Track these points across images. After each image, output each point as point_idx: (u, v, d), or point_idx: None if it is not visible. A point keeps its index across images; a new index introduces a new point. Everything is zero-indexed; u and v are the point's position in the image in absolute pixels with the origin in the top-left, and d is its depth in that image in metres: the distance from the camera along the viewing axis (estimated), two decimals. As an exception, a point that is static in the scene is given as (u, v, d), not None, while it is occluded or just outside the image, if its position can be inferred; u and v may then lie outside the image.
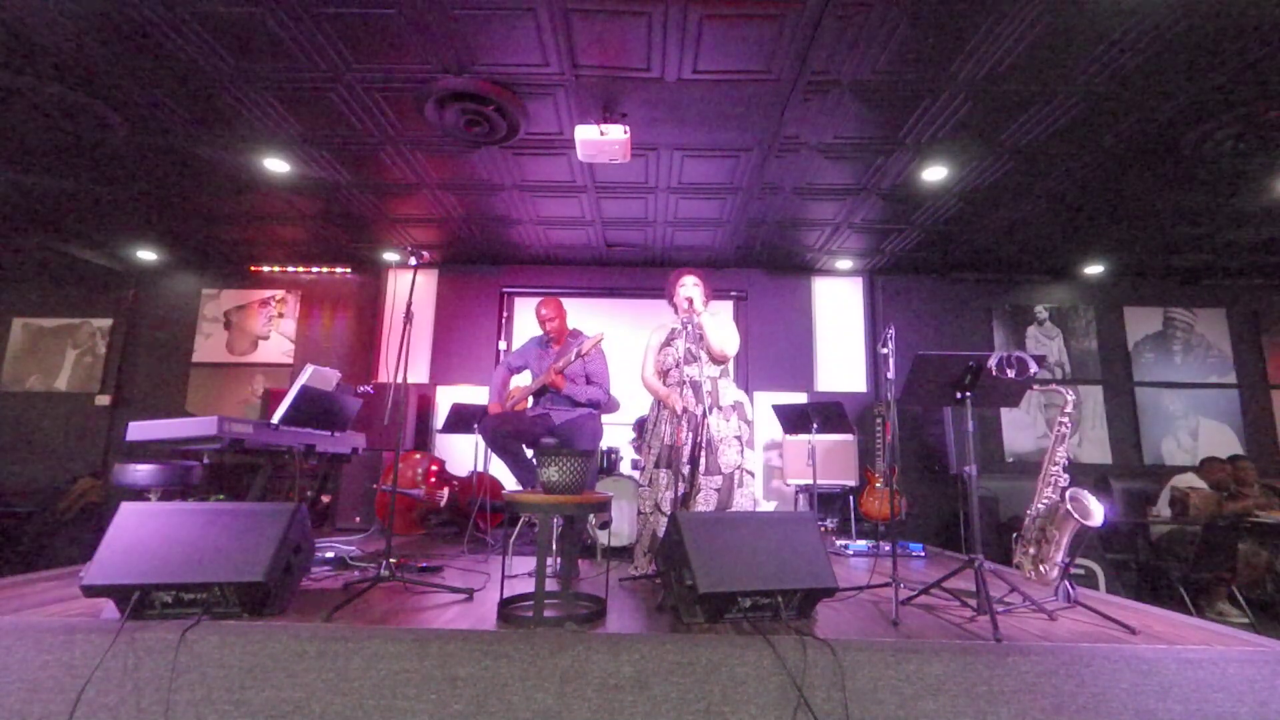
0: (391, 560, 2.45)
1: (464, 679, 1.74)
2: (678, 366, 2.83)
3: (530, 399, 3.48)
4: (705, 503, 2.77)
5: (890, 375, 2.48)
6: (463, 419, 4.00)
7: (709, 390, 2.89)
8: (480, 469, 4.11)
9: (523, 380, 3.60)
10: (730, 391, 2.97)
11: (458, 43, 2.89)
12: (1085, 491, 2.39)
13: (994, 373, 2.34)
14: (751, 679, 1.76)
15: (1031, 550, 2.47)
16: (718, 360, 2.96)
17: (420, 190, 4.44)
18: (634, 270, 5.97)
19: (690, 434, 2.80)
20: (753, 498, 2.90)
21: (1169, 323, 5.86)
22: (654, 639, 1.82)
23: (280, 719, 1.72)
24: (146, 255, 5.78)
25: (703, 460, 2.80)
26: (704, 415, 2.82)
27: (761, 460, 5.65)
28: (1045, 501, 2.46)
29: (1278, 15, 2.58)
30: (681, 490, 2.74)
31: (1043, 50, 2.83)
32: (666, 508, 2.79)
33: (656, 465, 2.91)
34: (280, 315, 6.02)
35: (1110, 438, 5.63)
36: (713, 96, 3.25)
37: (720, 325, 2.96)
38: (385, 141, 3.76)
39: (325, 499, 4.73)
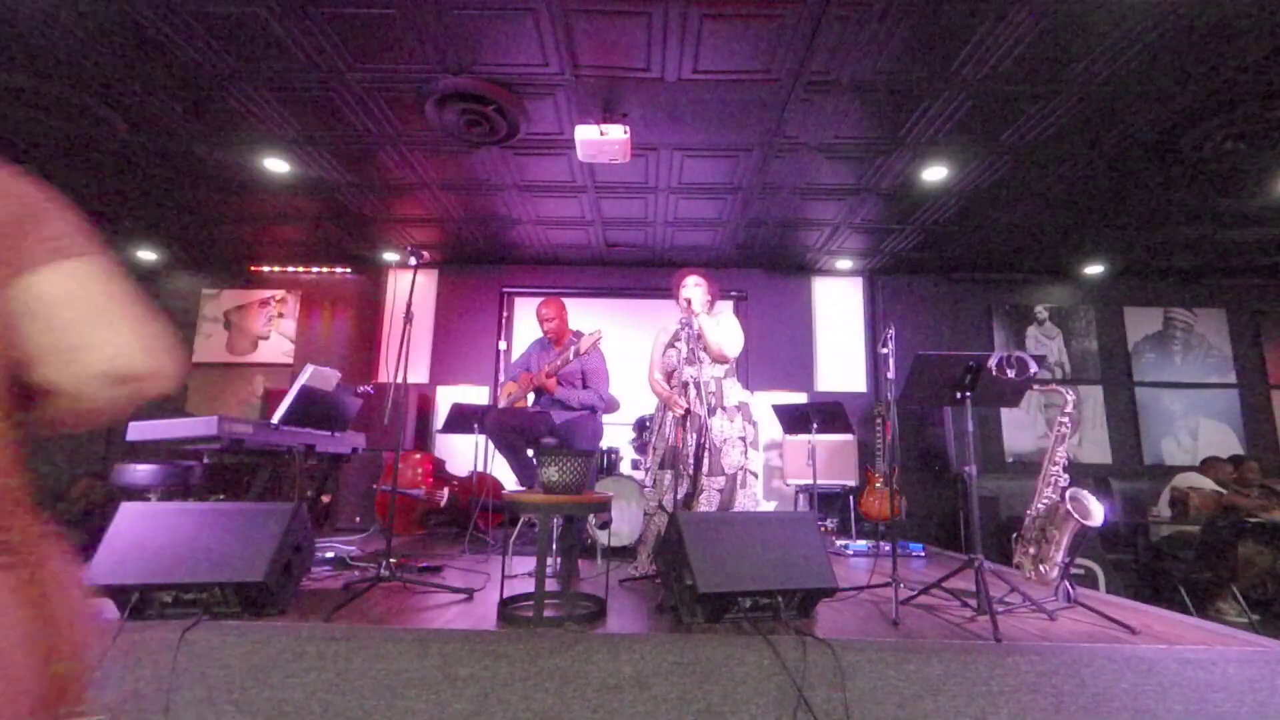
0: (391, 560, 2.45)
1: (464, 679, 1.74)
2: (681, 367, 2.83)
3: (530, 396, 3.48)
4: (708, 503, 2.77)
5: (890, 375, 2.49)
6: (463, 419, 4.00)
7: (712, 391, 2.88)
8: (480, 469, 4.11)
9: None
10: (735, 392, 2.96)
11: (458, 43, 2.89)
12: (1085, 491, 2.39)
13: (994, 373, 2.34)
14: (751, 679, 1.76)
15: (1031, 550, 2.47)
16: (717, 359, 2.95)
17: (420, 190, 4.43)
18: (634, 270, 5.97)
19: (693, 435, 2.80)
20: (754, 498, 2.90)
21: (1169, 323, 5.85)
22: (654, 639, 1.82)
23: (280, 719, 1.72)
24: (146, 255, 5.78)
25: (705, 461, 2.80)
26: (706, 416, 2.82)
27: (762, 460, 5.65)
28: (1045, 501, 2.46)
29: (1278, 15, 2.58)
30: (685, 491, 2.74)
31: (1043, 50, 2.83)
32: (670, 508, 2.79)
33: (661, 466, 2.92)
34: (280, 315, 6.02)
35: (1110, 438, 5.63)
36: (713, 96, 3.25)
37: (719, 326, 2.95)
38: (385, 141, 3.76)
39: (325, 499, 4.72)
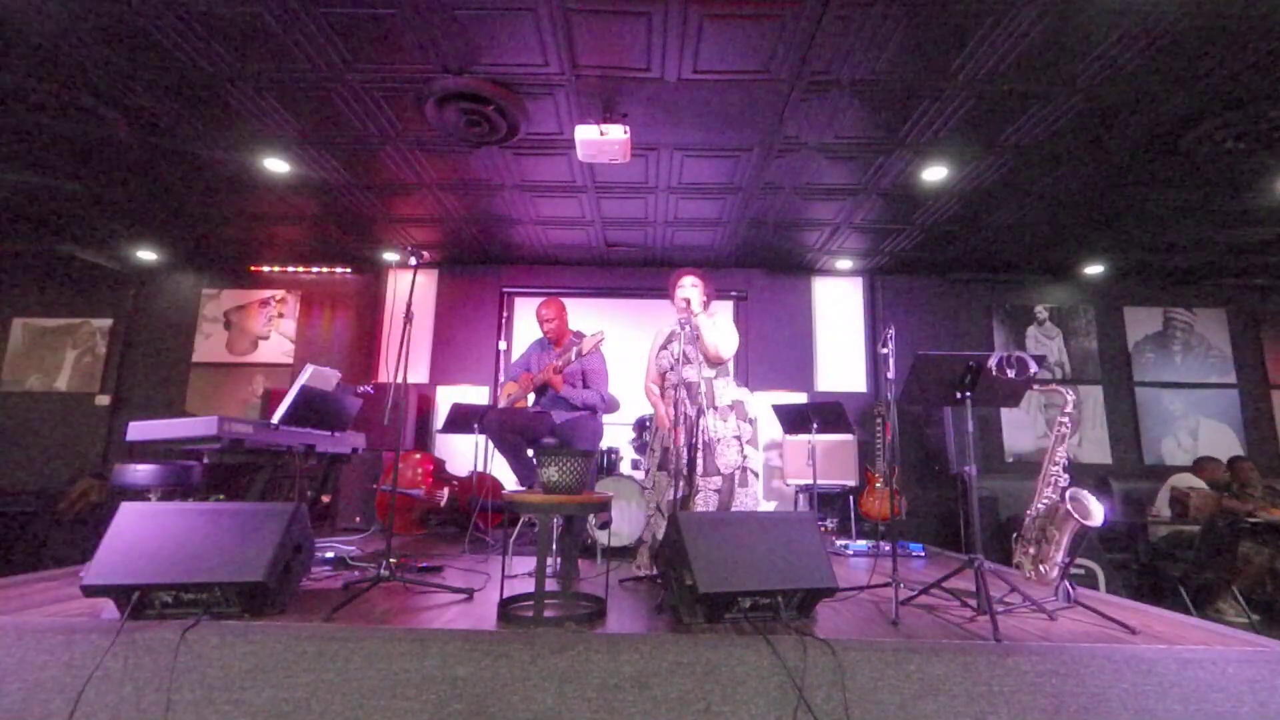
0: (391, 560, 2.45)
1: (464, 679, 1.74)
2: (674, 368, 2.83)
3: (531, 396, 3.48)
4: (705, 504, 2.77)
5: (890, 375, 2.48)
6: (463, 419, 4.00)
7: (704, 391, 2.88)
8: (480, 469, 4.11)
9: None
10: (728, 391, 2.96)
11: (458, 43, 2.89)
12: (1085, 491, 2.39)
13: (994, 373, 2.34)
14: (751, 679, 1.76)
15: (1031, 550, 2.47)
16: (713, 361, 2.95)
17: (420, 190, 4.43)
18: (634, 270, 5.97)
19: (686, 436, 2.79)
20: (755, 497, 2.90)
21: (1169, 323, 5.85)
22: (654, 639, 1.82)
23: (280, 719, 1.72)
24: (146, 255, 5.78)
25: (700, 462, 2.80)
26: (698, 416, 2.82)
27: (761, 460, 5.65)
28: (1045, 501, 2.46)
29: (1277, 15, 2.58)
30: (681, 492, 2.74)
31: (1043, 50, 2.83)
32: (667, 509, 2.79)
33: (659, 468, 2.92)
34: (280, 315, 6.02)
35: (1110, 438, 5.63)
36: (713, 96, 3.25)
37: (716, 327, 2.95)
38: (385, 141, 3.76)
39: (325, 499, 4.72)
